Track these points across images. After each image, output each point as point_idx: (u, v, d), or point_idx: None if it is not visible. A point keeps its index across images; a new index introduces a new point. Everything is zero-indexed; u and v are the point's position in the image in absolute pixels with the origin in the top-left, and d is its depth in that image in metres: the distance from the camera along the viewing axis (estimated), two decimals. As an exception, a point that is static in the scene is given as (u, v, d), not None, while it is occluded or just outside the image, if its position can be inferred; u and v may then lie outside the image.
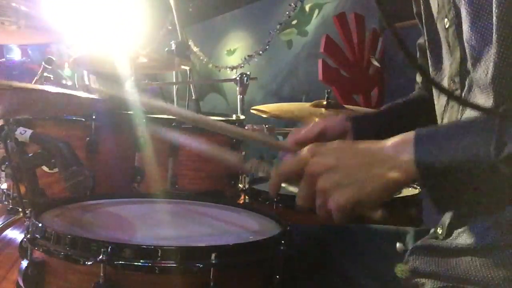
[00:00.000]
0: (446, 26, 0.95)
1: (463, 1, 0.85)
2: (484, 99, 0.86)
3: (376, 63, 3.59)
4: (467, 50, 0.88)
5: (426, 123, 1.01)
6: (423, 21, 1.06)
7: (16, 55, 5.49)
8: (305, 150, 0.85)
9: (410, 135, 0.79)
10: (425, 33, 1.06)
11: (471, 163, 0.72)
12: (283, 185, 1.17)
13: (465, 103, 0.92)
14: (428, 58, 1.05)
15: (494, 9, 0.78)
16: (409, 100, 1.29)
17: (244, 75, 2.62)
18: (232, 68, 5.85)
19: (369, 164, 0.80)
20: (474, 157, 0.72)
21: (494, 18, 0.78)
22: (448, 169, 0.74)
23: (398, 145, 0.79)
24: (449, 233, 0.93)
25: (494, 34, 0.79)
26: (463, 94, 0.93)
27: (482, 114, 0.80)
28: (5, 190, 1.62)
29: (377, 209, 0.81)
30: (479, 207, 0.85)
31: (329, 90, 2.34)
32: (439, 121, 1.03)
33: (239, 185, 1.81)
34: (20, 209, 1.49)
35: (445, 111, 1.01)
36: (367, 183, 0.79)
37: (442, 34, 0.98)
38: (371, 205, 0.80)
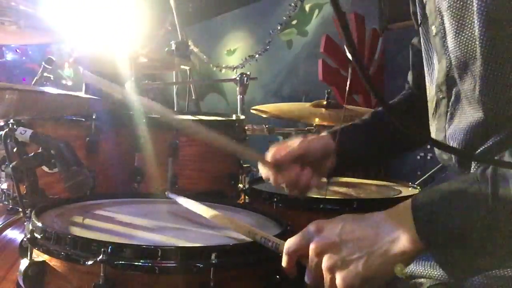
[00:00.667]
0: (434, 34, 0.94)
1: (446, 12, 0.84)
2: (472, 111, 0.85)
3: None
4: (452, 61, 0.87)
5: (408, 127, 1.02)
6: (419, 20, 1.05)
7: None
8: (310, 227, 0.84)
9: (407, 206, 0.79)
10: (420, 34, 1.05)
11: (471, 224, 0.74)
12: (284, 185, 1.17)
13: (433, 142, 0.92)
14: (424, 60, 1.05)
15: (475, 21, 0.77)
16: (393, 105, 1.28)
17: (244, 75, 2.62)
18: (232, 68, 5.85)
19: (374, 235, 0.78)
20: (472, 218, 0.73)
21: (477, 31, 0.78)
22: (450, 236, 0.75)
23: (399, 216, 0.79)
24: None
25: (477, 47, 0.78)
26: (450, 104, 0.92)
27: (472, 172, 0.80)
28: (5, 190, 1.62)
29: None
30: (486, 264, 0.86)
31: (329, 90, 2.34)
32: (430, 123, 1.03)
33: (239, 185, 1.81)
34: (20, 209, 1.49)
35: (433, 118, 1.01)
36: (373, 257, 0.77)
37: (431, 41, 0.98)
38: (380, 281, 0.79)
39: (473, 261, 0.83)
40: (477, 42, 0.78)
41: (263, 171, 1.19)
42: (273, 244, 0.90)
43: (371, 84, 0.64)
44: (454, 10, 0.81)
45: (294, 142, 1.18)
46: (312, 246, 0.81)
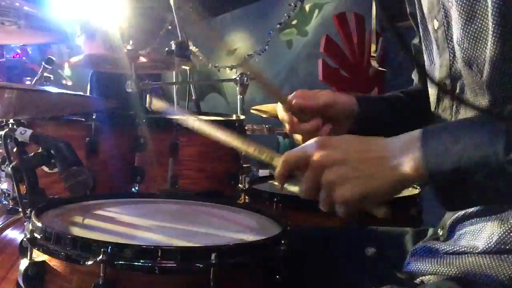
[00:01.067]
0: (436, 28, 0.94)
1: (454, 4, 0.84)
2: (477, 102, 0.85)
3: (376, 65, 3.58)
4: (457, 53, 0.87)
5: (425, 115, 1.01)
6: (418, 21, 1.05)
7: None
8: (313, 141, 0.83)
9: (418, 133, 0.78)
10: (420, 33, 1.05)
11: (479, 163, 0.72)
12: (298, 136, 1.14)
13: (459, 100, 0.91)
14: (424, 59, 1.05)
15: (489, 10, 0.77)
16: (411, 91, 1.27)
17: (244, 75, 2.62)
18: (232, 68, 5.85)
19: (378, 159, 0.79)
20: (482, 158, 0.71)
21: (490, 19, 0.78)
22: (456, 169, 0.73)
23: (407, 143, 0.78)
24: (450, 234, 0.93)
25: (489, 36, 0.78)
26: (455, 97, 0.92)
27: (483, 115, 0.80)
28: (5, 190, 1.62)
29: (381, 206, 0.80)
30: (486, 207, 0.85)
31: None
32: (431, 118, 1.02)
33: (239, 185, 1.81)
34: (20, 209, 1.49)
35: (436, 110, 1.00)
36: (374, 177, 0.77)
37: (432, 36, 0.98)
38: (377, 200, 0.79)
39: (471, 202, 0.82)
40: (489, 35, 0.78)
41: (281, 113, 1.12)
42: (267, 156, 0.88)
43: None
44: (464, 2, 0.81)
45: (321, 92, 1.13)
46: (313, 158, 0.80)
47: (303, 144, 0.85)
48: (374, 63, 3.55)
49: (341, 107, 1.12)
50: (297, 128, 1.09)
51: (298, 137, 1.11)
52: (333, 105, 1.11)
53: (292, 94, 1.11)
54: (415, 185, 1.74)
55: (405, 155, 0.76)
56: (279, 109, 1.12)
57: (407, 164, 0.76)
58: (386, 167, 0.77)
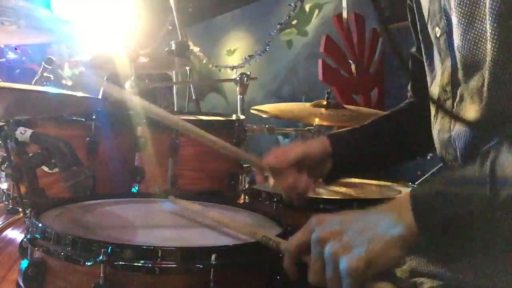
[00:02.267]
0: (438, 35, 0.94)
1: (453, 10, 0.84)
2: (475, 109, 0.85)
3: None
4: (457, 59, 0.87)
5: (409, 135, 1.02)
6: (418, 29, 1.05)
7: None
8: (310, 221, 0.85)
9: (406, 198, 0.80)
10: (421, 42, 1.05)
11: (469, 216, 0.75)
12: (281, 190, 1.17)
13: (451, 115, 0.93)
14: (425, 67, 1.05)
15: (487, 15, 0.77)
16: (393, 114, 1.28)
17: (244, 75, 2.62)
18: (232, 68, 5.85)
19: (373, 225, 0.80)
20: (471, 211, 0.74)
21: (488, 25, 0.78)
22: (448, 226, 0.76)
23: (398, 207, 0.81)
24: None
25: (488, 41, 0.78)
26: (454, 104, 0.92)
27: (474, 163, 0.80)
28: (5, 190, 1.62)
29: (387, 283, 0.79)
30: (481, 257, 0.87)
31: (329, 90, 2.34)
32: (432, 125, 1.03)
33: (239, 185, 1.81)
34: (20, 209, 1.49)
35: (435, 120, 1.01)
36: (374, 242, 0.78)
37: (434, 43, 0.98)
38: (382, 267, 0.79)
39: (466, 254, 0.84)
40: (488, 39, 0.78)
41: (259, 176, 1.20)
42: (274, 243, 0.90)
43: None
44: (463, 7, 0.82)
45: (292, 148, 1.18)
46: (314, 236, 0.81)
47: (304, 226, 0.86)
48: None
49: (313, 157, 1.17)
50: (278, 185, 1.17)
51: (270, 181, 1.18)
52: (305, 158, 1.16)
53: (265, 158, 1.17)
54: (415, 185, 1.74)
55: (398, 217, 0.79)
56: (258, 174, 1.20)
57: (403, 224, 0.78)
58: (384, 228, 0.79)
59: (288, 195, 1.17)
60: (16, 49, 5.40)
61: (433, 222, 0.76)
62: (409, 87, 1.28)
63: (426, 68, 1.04)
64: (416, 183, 1.84)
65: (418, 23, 1.04)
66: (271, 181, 1.18)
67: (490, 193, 0.73)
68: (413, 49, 1.16)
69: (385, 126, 1.26)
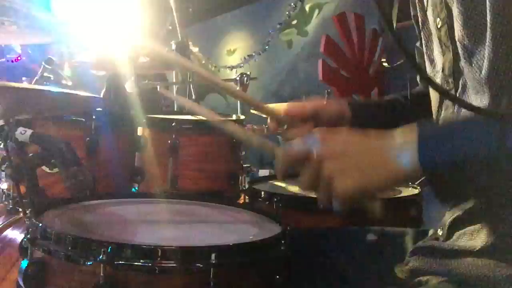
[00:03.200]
0: (439, 26, 0.94)
1: (455, 1, 0.85)
2: (478, 99, 0.85)
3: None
4: (459, 50, 0.87)
5: (426, 118, 1.02)
6: (419, 23, 1.05)
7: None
8: (313, 133, 0.84)
9: (413, 128, 0.79)
10: (422, 35, 1.05)
11: (473, 158, 0.73)
12: (283, 185, 1.17)
13: (460, 102, 0.92)
14: (425, 60, 1.05)
15: (487, 6, 0.78)
16: (411, 95, 1.27)
17: (244, 75, 2.62)
18: (232, 68, 5.85)
19: (376, 152, 0.80)
20: (475, 152, 0.73)
21: (488, 15, 0.78)
22: (450, 163, 0.74)
23: (405, 137, 0.79)
24: (449, 234, 0.93)
25: (488, 31, 0.79)
26: (457, 95, 0.92)
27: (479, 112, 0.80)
28: (5, 190, 1.62)
29: (376, 201, 0.80)
30: (481, 204, 0.86)
31: (329, 90, 2.34)
32: (434, 117, 1.03)
33: (239, 185, 1.81)
34: (20, 209, 1.49)
35: (439, 111, 1.00)
36: (372, 170, 0.78)
37: (435, 34, 0.98)
38: (374, 194, 0.80)
39: (464, 196, 0.84)
40: (488, 27, 0.78)
41: (272, 123, 1.15)
42: (270, 146, 0.90)
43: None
44: None
45: (310, 100, 1.15)
46: (314, 151, 0.81)
47: (305, 136, 0.85)
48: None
49: (330, 114, 1.14)
50: (290, 136, 1.10)
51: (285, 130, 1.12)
52: (322, 111, 1.13)
53: (281, 107, 1.14)
54: (415, 186, 1.74)
55: (402, 149, 0.78)
56: (271, 122, 1.16)
57: (404, 159, 0.77)
58: (385, 160, 0.78)
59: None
60: (18, 57, 5.40)
61: (437, 162, 0.75)
62: (418, 79, 1.28)
63: (426, 59, 1.04)
64: (416, 183, 1.84)
65: (419, 16, 1.04)
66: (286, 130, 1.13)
67: (496, 144, 0.71)
68: (418, 43, 1.16)
69: (404, 104, 1.25)
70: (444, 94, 0.95)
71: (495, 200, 0.83)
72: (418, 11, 1.05)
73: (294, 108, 1.12)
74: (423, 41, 1.05)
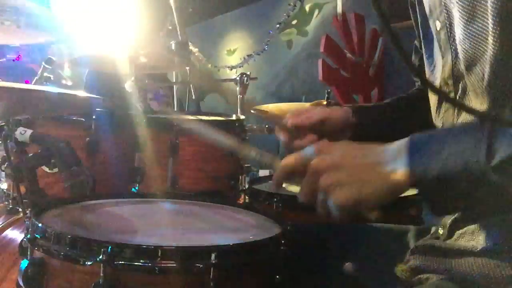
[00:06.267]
0: (438, 28, 0.94)
1: (456, 4, 0.84)
2: (479, 103, 0.85)
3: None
4: (460, 53, 0.87)
5: (428, 117, 1.02)
6: (419, 24, 1.05)
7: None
8: (312, 146, 0.86)
9: (407, 141, 0.81)
10: (421, 36, 1.05)
11: (462, 171, 0.74)
12: (283, 185, 1.17)
13: (458, 105, 0.92)
14: (424, 60, 1.05)
15: (489, 10, 0.77)
16: (413, 95, 1.28)
17: (244, 75, 2.62)
18: (232, 68, 5.85)
19: (372, 165, 0.81)
20: (464, 165, 0.74)
21: (490, 19, 0.78)
22: (440, 177, 0.76)
23: (399, 150, 0.81)
24: (450, 234, 0.93)
25: (490, 36, 0.78)
26: (457, 97, 0.92)
27: (475, 119, 0.81)
28: (5, 190, 1.62)
29: (374, 210, 0.82)
30: (472, 213, 0.87)
31: (329, 90, 2.34)
32: (434, 119, 1.03)
33: (239, 185, 1.81)
34: (20, 209, 1.49)
35: (438, 113, 1.00)
36: (368, 183, 0.80)
37: (435, 37, 0.98)
38: (370, 205, 0.81)
39: (456, 208, 0.85)
40: (489, 33, 0.78)
41: (280, 135, 1.16)
42: (268, 159, 0.91)
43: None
44: (465, 1, 0.82)
45: (315, 109, 1.17)
46: (312, 163, 0.83)
47: (303, 149, 0.87)
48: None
49: (335, 122, 1.15)
50: (293, 145, 1.13)
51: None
52: (327, 120, 1.14)
53: (287, 115, 1.15)
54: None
55: (397, 162, 0.79)
56: (278, 134, 1.16)
57: (398, 171, 0.79)
58: (380, 173, 0.80)
59: None
60: (18, 57, 5.40)
61: (426, 172, 0.77)
62: (415, 80, 1.28)
63: (425, 61, 1.04)
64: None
65: (419, 18, 1.04)
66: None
67: (485, 155, 0.72)
68: (417, 42, 1.16)
69: (406, 105, 1.26)
70: (440, 94, 0.95)
71: (483, 209, 0.85)
72: (417, 12, 1.05)
73: (300, 120, 1.13)
74: (422, 43, 1.05)
